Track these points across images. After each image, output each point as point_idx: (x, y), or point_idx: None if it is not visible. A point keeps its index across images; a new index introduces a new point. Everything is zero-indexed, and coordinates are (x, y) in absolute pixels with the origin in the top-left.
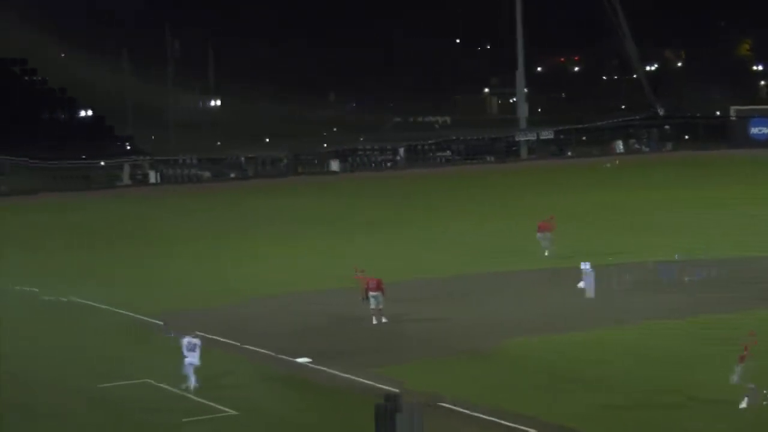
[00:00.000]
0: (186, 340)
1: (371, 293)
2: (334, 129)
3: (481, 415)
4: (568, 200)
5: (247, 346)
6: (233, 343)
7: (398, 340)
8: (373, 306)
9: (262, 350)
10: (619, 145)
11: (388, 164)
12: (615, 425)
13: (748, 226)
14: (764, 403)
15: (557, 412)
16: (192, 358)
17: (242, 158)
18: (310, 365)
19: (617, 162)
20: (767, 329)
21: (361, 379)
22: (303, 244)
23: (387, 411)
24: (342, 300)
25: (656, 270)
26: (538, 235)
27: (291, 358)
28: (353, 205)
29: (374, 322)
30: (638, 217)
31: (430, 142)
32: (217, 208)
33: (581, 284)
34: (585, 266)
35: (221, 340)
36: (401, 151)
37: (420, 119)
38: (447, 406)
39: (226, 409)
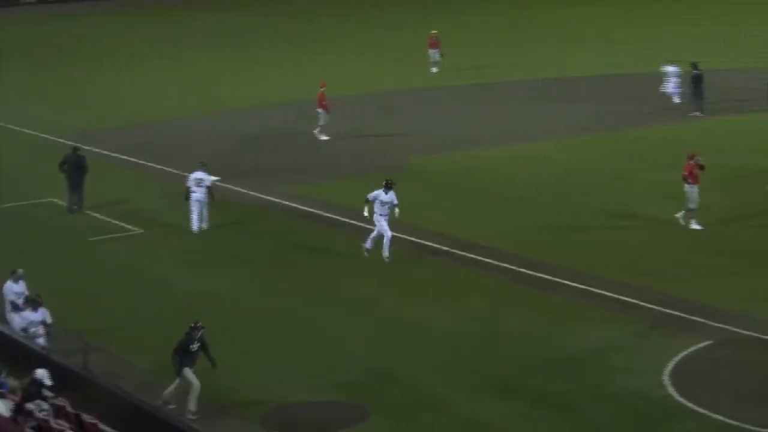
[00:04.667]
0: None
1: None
2: None
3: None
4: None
5: (160, 166)
6: (150, 164)
7: (321, 157)
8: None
9: (173, 170)
10: None
11: None
12: (532, 244)
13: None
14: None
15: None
16: None
17: None
18: (219, 183)
19: None
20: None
21: (265, 196)
22: (246, 61)
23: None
24: (278, 117)
25: (571, 85)
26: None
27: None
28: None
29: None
30: (562, 33)
31: None
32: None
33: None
34: (669, 68)
35: (133, 160)
36: None
37: None
38: (357, 224)
39: (132, 228)
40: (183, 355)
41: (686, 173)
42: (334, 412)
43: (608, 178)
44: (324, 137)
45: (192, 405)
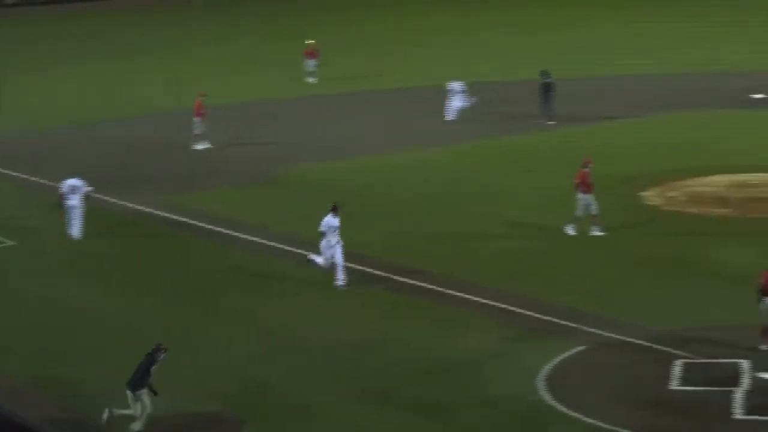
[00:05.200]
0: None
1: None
2: None
3: (272, 243)
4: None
5: (35, 178)
6: (24, 176)
7: (198, 167)
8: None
9: (47, 181)
10: None
11: None
12: (411, 252)
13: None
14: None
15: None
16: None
17: None
18: (94, 195)
19: None
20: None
21: (140, 207)
22: (125, 71)
23: None
24: (155, 126)
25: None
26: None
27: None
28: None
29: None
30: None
31: None
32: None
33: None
34: (455, 85)
35: (6, 172)
36: None
37: None
38: (243, 236)
39: (4, 240)
40: (144, 377)
41: (578, 181)
42: (209, 421)
43: (487, 186)
44: (201, 146)
45: (139, 426)
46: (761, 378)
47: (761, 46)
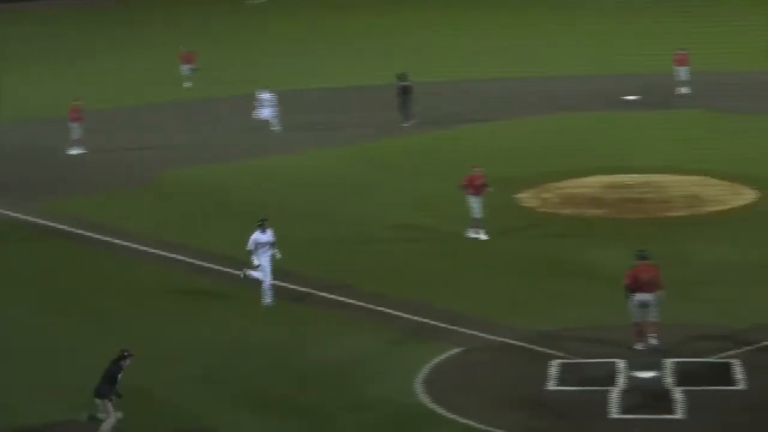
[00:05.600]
0: None
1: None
2: None
3: (146, 248)
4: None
5: None
6: None
7: (72, 172)
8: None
9: None
10: None
11: None
12: (286, 256)
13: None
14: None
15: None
16: None
17: None
18: None
19: None
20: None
21: (14, 213)
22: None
23: None
24: (31, 132)
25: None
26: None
27: None
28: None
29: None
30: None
31: None
32: None
33: (262, 113)
34: (264, 94)
35: None
36: None
37: None
38: (116, 241)
39: None
40: (110, 385)
41: (465, 183)
42: (87, 428)
43: (362, 189)
44: (75, 151)
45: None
46: (636, 377)
47: (632, 49)
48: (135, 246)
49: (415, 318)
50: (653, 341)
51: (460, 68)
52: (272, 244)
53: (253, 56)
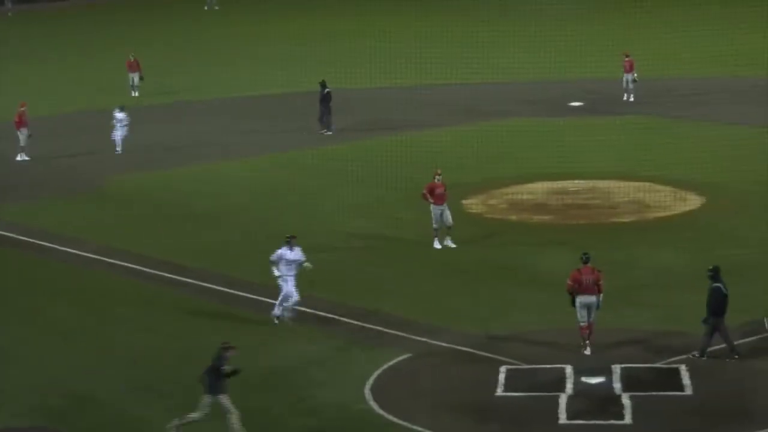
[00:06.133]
0: None
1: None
2: None
3: (90, 255)
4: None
5: None
6: None
7: (19, 178)
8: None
9: None
10: None
11: None
12: (229, 261)
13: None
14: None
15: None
16: None
17: None
18: None
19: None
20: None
21: None
22: None
23: None
24: None
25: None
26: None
27: None
28: None
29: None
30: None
31: None
32: None
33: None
34: (118, 113)
35: None
36: None
37: None
38: (63, 249)
39: None
40: (219, 380)
41: (426, 192)
42: None
43: (302, 197)
44: (22, 158)
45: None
46: (584, 382)
47: (576, 55)
48: (82, 253)
49: (364, 324)
50: (589, 346)
51: (401, 75)
52: (300, 264)
53: (196, 64)
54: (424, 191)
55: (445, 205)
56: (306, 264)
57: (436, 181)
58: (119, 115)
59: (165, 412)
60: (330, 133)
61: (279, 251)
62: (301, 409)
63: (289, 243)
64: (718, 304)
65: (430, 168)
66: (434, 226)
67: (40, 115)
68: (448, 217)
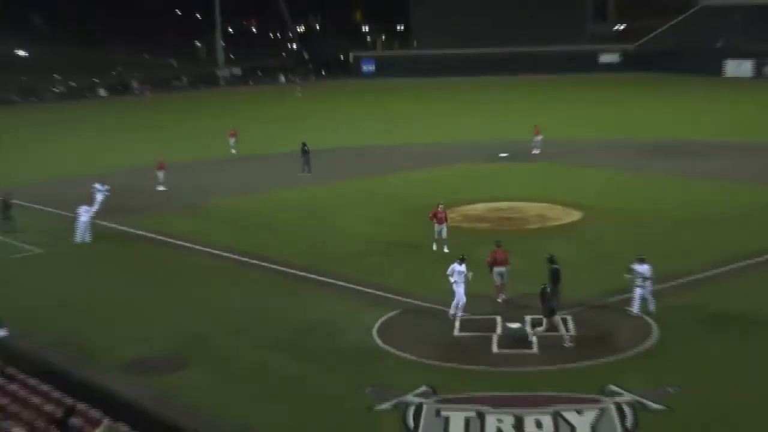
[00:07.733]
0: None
1: None
2: None
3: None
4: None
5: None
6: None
7: (161, 197)
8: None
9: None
10: (281, 77)
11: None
12: (294, 255)
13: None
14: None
15: (248, 243)
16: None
17: None
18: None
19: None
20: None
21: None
22: None
23: None
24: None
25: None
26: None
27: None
28: None
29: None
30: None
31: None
32: None
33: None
34: (98, 185)
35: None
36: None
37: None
38: (180, 243)
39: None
40: (551, 300)
41: (432, 216)
42: (167, 360)
43: (333, 215)
44: (161, 188)
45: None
46: (508, 327)
47: (503, 123)
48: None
49: (370, 291)
50: (503, 297)
51: (382, 136)
52: (466, 275)
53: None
54: (431, 215)
55: (444, 225)
56: (469, 274)
57: (438, 209)
58: (98, 186)
59: (251, 348)
60: (309, 174)
61: (452, 266)
62: (331, 346)
63: (461, 260)
64: (556, 278)
65: (410, 195)
66: (435, 237)
67: (176, 161)
68: (444, 232)
